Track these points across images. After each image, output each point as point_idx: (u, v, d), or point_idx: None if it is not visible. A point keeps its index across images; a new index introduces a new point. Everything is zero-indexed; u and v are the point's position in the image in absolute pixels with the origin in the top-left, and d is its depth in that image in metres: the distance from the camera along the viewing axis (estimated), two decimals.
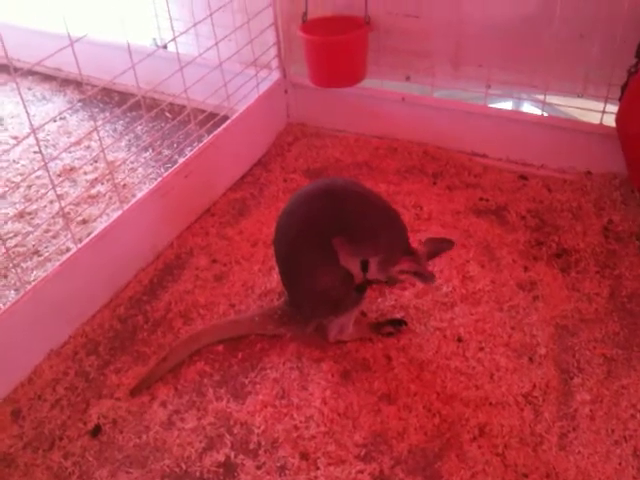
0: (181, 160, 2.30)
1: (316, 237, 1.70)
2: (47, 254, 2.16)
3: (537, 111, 2.56)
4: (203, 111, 2.41)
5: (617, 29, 2.15)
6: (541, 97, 2.43)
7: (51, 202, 2.40)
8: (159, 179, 2.19)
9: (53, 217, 2.32)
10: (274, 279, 2.06)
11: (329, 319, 1.83)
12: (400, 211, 1.85)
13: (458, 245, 2.14)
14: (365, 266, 1.75)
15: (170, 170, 2.24)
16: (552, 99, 2.48)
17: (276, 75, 2.74)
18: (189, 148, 2.45)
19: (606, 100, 2.28)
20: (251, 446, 1.60)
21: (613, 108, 2.22)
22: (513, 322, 1.88)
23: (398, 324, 1.88)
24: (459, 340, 1.84)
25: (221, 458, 1.58)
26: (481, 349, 1.81)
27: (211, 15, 2.28)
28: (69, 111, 3.00)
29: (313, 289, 1.76)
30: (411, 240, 1.77)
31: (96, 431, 1.66)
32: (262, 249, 2.19)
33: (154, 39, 3.18)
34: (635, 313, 1.90)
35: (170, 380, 1.78)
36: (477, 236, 2.19)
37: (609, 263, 2.07)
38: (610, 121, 2.25)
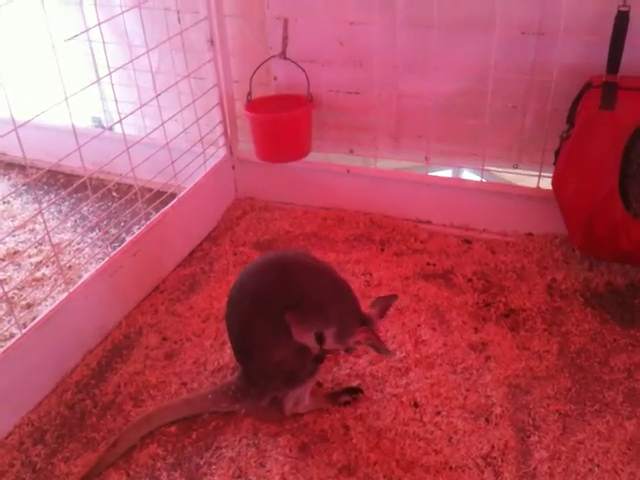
0: (129, 238, 2.28)
1: (268, 310, 1.69)
2: None
3: (477, 177, 2.66)
4: (150, 189, 2.42)
5: (548, 98, 2.28)
6: (479, 164, 2.54)
7: None
8: (106, 258, 2.17)
9: None
10: (227, 354, 2.03)
11: (284, 392, 1.80)
12: (350, 279, 1.88)
13: (409, 310, 2.18)
14: (320, 338, 1.75)
15: (118, 249, 2.22)
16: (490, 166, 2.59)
17: (223, 152, 2.79)
18: (137, 226, 2.44)
19: (541, 165, 2.39)
20: None
21: (548, 172, 2.32)
22: (467, 384, 1.89)
23: (354, 392, 1.87)
24: (416, 405, 1.83)
25: None
26: (438, 413, 1.81)
27: (157, 97, 2.32)
28: (13, 195, 2.96)
29: (267, 363, 1.74)
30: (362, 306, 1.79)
31: None
32: (214, 324, 2.16)
33: (95, 118, 3.21)
34: (585, 368, 1.94)
35: (122, 465, 1.71)
36: (427, 300, 2.22)
37: (556, 320, 2.12)
38: (547, 184, 2.35)
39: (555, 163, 2.27)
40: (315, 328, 1.73)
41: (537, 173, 2.41)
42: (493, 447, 1.70)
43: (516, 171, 2.51)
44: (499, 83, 2.32)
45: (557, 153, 2.26)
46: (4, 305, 2.21)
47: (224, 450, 1.73)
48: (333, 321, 1.72)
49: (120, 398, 1.92)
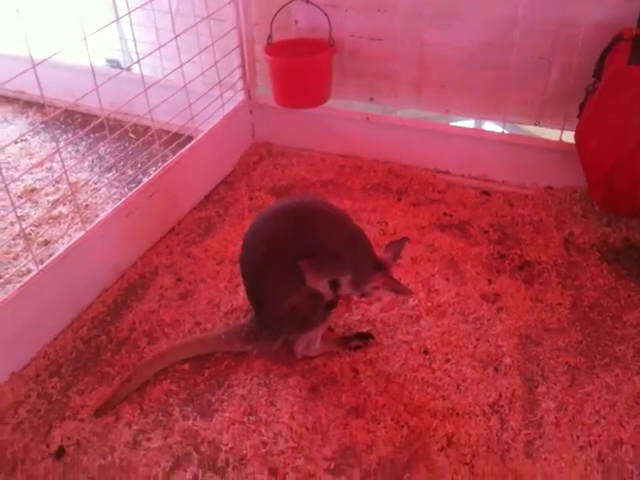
0: (145, 180, 2.29)
1: (282, 256, 1.70)
2: (7, 276, 2.11)
3: (498, 129, 2.61)
4: (167, 132, 2.41)
5: (575, 51, 2.22)
6: (501, 117, 2.49)
7: (12, 224, 2.37)
8: (123, 199, 2.17)
9: (14, 239, 2.27)
10: (240, 297, 2.05)
11: (296, 335, 1.82)
12: (365, 227, 1.88)
13: (423, 259, 2.17)
14: (334, 285, 1.76)
15: (134, 190, 2.22)
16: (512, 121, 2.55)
17: (241, 96, 2.76)
18: (153, 168, 2.44)
19: (565, 118, 2.34)
20: (219, 464, 1.58)
21: (571, 126, 2.28)
22: (478, 333, 1.90)
23: (365, 338, 1.88)
24: (425, 352, 1.85)
25: (189, 476, 1.55)
26: (447, 360, 1.82)
27: (176, 38, 2.29)
28: (31, 133, 2.97)
29: (280, 307, 1.76)
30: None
31: (60, 453, 1.62)
32: (228, 267, 2.18)
33: (110, 59, 3.18)
34: (597, 322, 1.93)
35: (135, 400, 1.75)
36: (441, 250, 2.21)
37: (571, 274, 2.11)
38: (569, 138, 2.31)
39: (579, 116, 2.22)
40: (330, 275, 1.74)
41: (560, 127, 2.36)
42: (501, 396, 1.71)
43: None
44: (525, 35, 2.26)
45: (582, 106, 2.21)
46: (22, 241, 2.24)
47: (235, 388, 1.77)
48: (349, 268, 1.73)
49: (135, 335, 1.95)
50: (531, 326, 1.92)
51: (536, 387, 1.74)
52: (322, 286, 1.74)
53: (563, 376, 1.77)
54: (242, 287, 1.93)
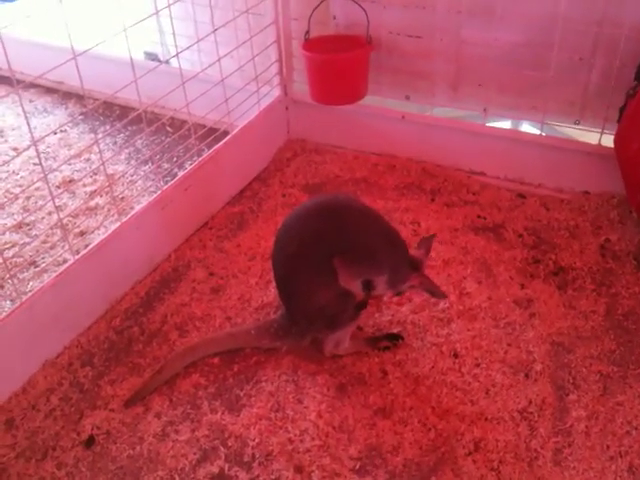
0: (181, 174, 2.31)
1: (315, 253, 1.70)
2: (44, 265, 2.16)
3: (536, 131, 2.58)
4: (204, 126, 2.43)
5: (616, 53, 2.17)
6: (540, 118, 2.45)
7: (49, 213, 2.41)
8: (158, 192, 2.20)
9: (51, 228, 2.32)
10: (271, 293, 2.06)
11: (325, 333, 1.82)
12: (398, 227, 1.87)
13: (456, 262, 2.16)
14: (368, 286, 1.76)
15: (170, 183, 2.25)
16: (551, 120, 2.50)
17: (277, 92, 2.76)
18: (189, 162, 2.46)
19: (604, 121, 2.30)
20: (245, 459, 1.59)
21: (611, 130, 2.24)
22: (509, 338, 1.88)
23: (395, 339, 1.88)
24: (455, 356, 1.84)
25: (215, 470, 1.57)
26: (477, 365, 1.81)
27: (214, 32, 2.30)
28: (70, 124, 3.02)
29: (310, 305, 1.76)
30: None
31: (90, 442, 1.65)
32: (259, 263, 2.19)
33: (147, 53, 3.21)
34: (631, 331, 1.90)
35: (165, 392, 1.77)
36: (474, 253, 2.19)
37: (605, 281, 2.07)
38: (608, 142, 2.26)
39: (619, 120, 2.18)
40: (365, 275, 1.74)
41: (599, 130, 2.32)
42: (530, 402, 1.70)
43: (577, 127, 2.42)
44: (566, 34, 2.22)
45: (622, 110, 2.17)
46: (59, 231, 2.29)
47: (264, 384, 1.78)
48: (385, 268, 1.73)
49: (166, 327, 1.97)
50: (564, 333, 1.90)
51: (567, 395, 1.72)
52: (355, 285, 1.74)
53: (595, 384, 1.74)
54: (273, 283, 1.94)
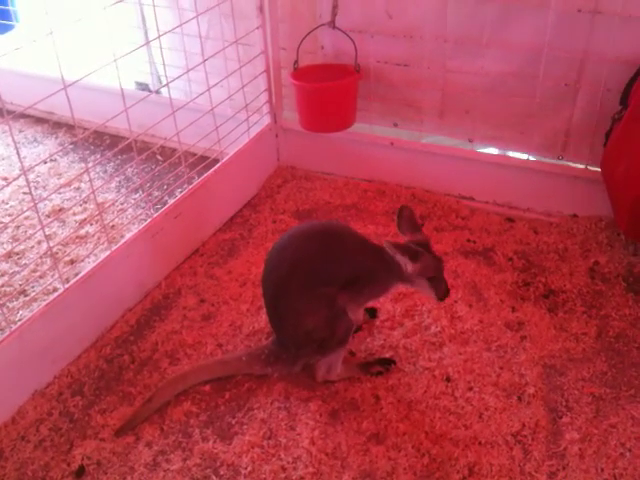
0: (171, 201, 2.31)
1: (305, 278, 1.70)
2: (34, 294, 2.14)
3: (523, 155, 2.61)
4: (194, 154, 2.45)
5: (601, 79, 2.21)
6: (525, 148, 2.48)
7: (39, 242, 2.41)
8: (149, 220, 2.20)
9: (41, 257, 2.31)
10: (262, 319, 2.05)
11: (316, 358, 1.82)
12: None
13: None
14: (373, 313, 1.88)
15: (160, 211, 2.25)
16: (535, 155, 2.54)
17: (267, 120, 2.79)
18: (179, 190, 2.47)
19: (591, 146, 2.33)
20: None
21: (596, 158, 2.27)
22: (501, 362, 1.88)
23: (387, 363, 1.87)
24: (448, 380, 1.83)
25: None
26: (470, 389, 1.80)
27: (204, 62, 2.33)
28: (60, 153, 3.02)
29: (297, 329, 1.76)
30: None
31: (80, 472, 1.63)
32: (250, 289, 2.19)
33: (138, 83, 3.23)
34: (622, 352, 1.91)
35: (156, 420, 1.75)
36: (465, 277, 2.20)
37: (596, 304, 2.08)
38: (595, 166, 2.30)
39: (605, 144, 2.21)
40: (374, 296, 1.80)
41: (583, 164, 2.36)
42: (524, 425, 1.69)
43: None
44: (551, 62, 2.26)
45: (608, 134, 2.20)
46: (49, 260, 2.28)
47: (256, 411, 1.76)
48: (392, 280, 1.76)
49: (157, 355, 1.96)
50: (555, 356, 1.90)
51: (560, 417, 1.72)
52: (360, 313, 1.77)
53: (588, 407, 1.74)
54: (264, 310, 1.93)
